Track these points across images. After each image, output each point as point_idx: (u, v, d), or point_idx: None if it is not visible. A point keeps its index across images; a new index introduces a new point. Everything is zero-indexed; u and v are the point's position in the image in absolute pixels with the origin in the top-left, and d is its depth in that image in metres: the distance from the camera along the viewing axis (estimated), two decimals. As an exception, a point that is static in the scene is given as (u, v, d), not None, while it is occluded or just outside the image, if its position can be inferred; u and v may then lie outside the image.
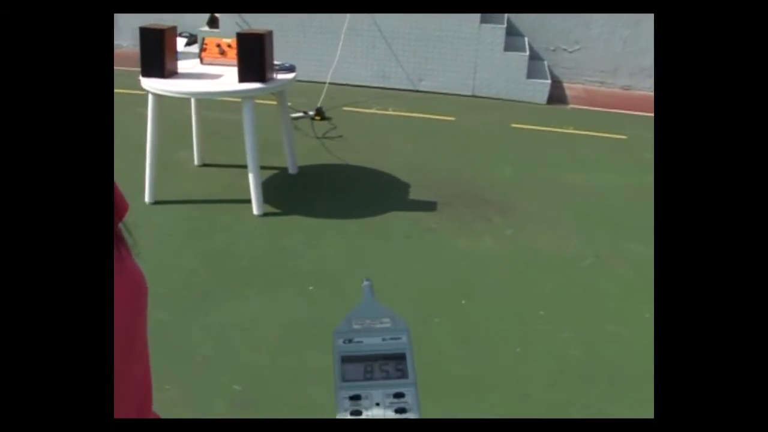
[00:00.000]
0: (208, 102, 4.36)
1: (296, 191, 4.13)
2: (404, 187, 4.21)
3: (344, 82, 6.24)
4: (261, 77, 3.53)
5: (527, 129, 5.47)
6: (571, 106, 6.21)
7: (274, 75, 3.70)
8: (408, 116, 5.62)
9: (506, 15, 6.71)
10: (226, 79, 3.65)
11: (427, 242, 3.58)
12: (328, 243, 3.51)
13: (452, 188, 4.22)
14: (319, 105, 5.40)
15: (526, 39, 6.70)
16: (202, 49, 3.97)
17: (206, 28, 6.38)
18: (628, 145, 5.26)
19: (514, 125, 5.53)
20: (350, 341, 0.61)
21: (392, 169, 4.43)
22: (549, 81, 6.13)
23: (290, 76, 3.82)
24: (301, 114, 5.29)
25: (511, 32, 6.78)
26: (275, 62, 3.85)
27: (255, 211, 3.68)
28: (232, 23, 6.24)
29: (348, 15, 5.98)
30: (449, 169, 4.56)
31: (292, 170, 4.29)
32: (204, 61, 3.95)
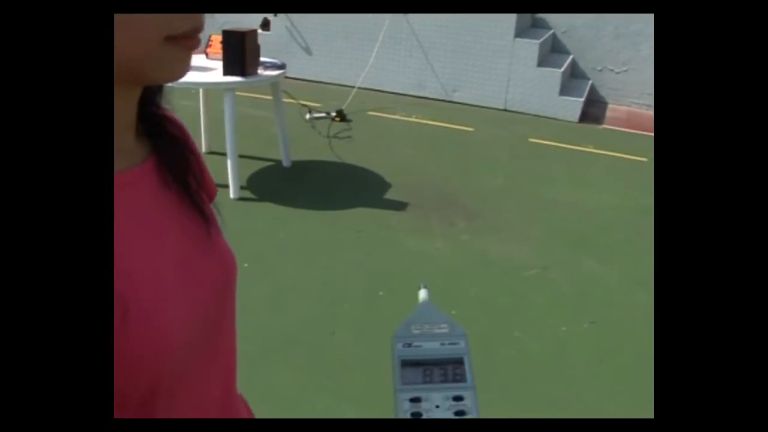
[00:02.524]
0: (217, 95, 4.72)
1: (280, 182, 4.39)
2: (385, 187, 4.36)
3: (381, 89, 6.46)
4: (242, 72, 3.82)
5: (543, 144, 5.45)
6: (605, 126, 6.09)
7: (259, 71, 3.98)
8: (428, 124, 5.75)
9: (552, 31, 6.70)
10: (218, 72, 3.97)
11: (377, 238, 3.72)
12: (283, 228, 3.73)
13: (432, 192, 4.33)
14: (341, 107, 5.65)
15: (571, 57, 6.64)
16: (208, 45, 4.32)
17: (259, 30, 6.80)
18: (643, 168, 5.12)
19: (532, 140, 5.52)
20: (410, 345, 0.64)
21: (383, 170, 4.59)
22: (582, 99, 6.04)
23: (275, 72, 4.09)
24: (323, 114, 5.56)
25: (557, 49, 6.76)
26: (266, 60, 4.14)
27: (231, 195, 3.97)
28: (282, 26, 6.63)
29: (386, 23, 6.19)
30: (439, 174, 4.66)
31: (286, 163, 4.55)
32: (209, 56, 4.29)
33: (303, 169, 4.58)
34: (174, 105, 0.73)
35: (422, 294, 0.72)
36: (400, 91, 6.47)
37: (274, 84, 4.30)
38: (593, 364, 2.82)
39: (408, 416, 0.59)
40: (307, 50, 6.68)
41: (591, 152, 5.36)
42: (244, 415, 0.82)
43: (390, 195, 4.26)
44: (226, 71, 3.84)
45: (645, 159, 5.28)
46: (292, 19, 6.60)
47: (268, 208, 3.98)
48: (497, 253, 3.65)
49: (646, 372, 2.76)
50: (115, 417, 0.57)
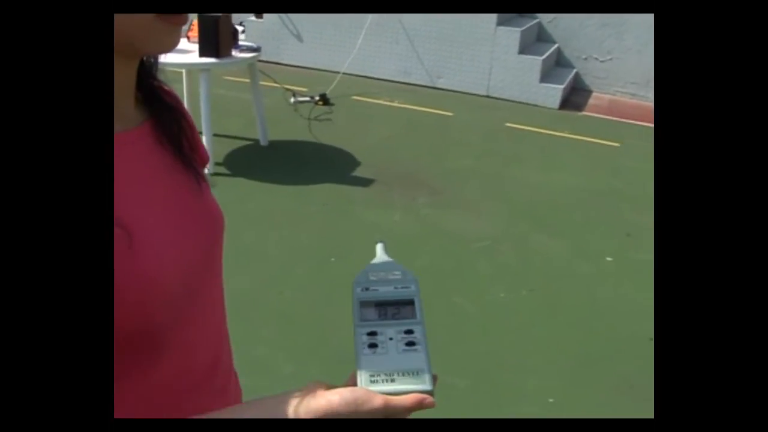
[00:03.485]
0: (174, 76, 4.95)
1: (256, 159, 4.60)
2: (355, 165, 4.56)
3: (369, 75, 6.65)
4: (216, 53, 4.03)
5: (520, 129, 5.60)
6: (585, 113, 6.22)
7: (234, 53, 4.19)
8: (408, 108, 5.92)
9: (538, 20, 6.84)
10: (195, 54, 4.18)
11: (339, 210, 3.92)
12: (252, 201, 3.94)
13: (400, 171, 4.51)
14: (324, 91, 5.84)
15: (556, 45, 6.77)
16: (189, 29, 4.53)
17: (253, 18, 7.03)
18: (615, 152, 5.26)
19: (508, 125, 5.68)
20: (367, 289, 0.71)
21: (356, 150, 4.78)
22: (562, 86, 6.18)
23: (249, 55, 4.30)
24: (307, 99, 5.77)
25: (542, 38, 6.90)
26: (243, 43, 4.35)
27: (207, 170, 4.17)
28: (274, 14, 6.85)
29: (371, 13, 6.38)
30: (410, 155, 4.84)
31: (263, 142, 4.76)
32: (190, 40, 4.51)
33: (279, 148, 4.79)
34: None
35: (379, 247, 0.79)
36: (387, 78, 6.65)
37: (251, 66, 4.51)
38: (525, 327, 3.00)
39: (366, 347, 0.66)
40: (299, 37, 6.88)
41: (566, 137, 5.51)
42: (232, 386, 0.88)
43: (358, 173, 4.45)
44: (202, 53, 4.05)
45: (618, 144, 5.42)
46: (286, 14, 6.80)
47: (241, 183, 4.19)
48: (452, 226, 3.84)
49: (572, 336, 2.94)
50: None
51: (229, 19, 4.10)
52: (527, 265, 3.51)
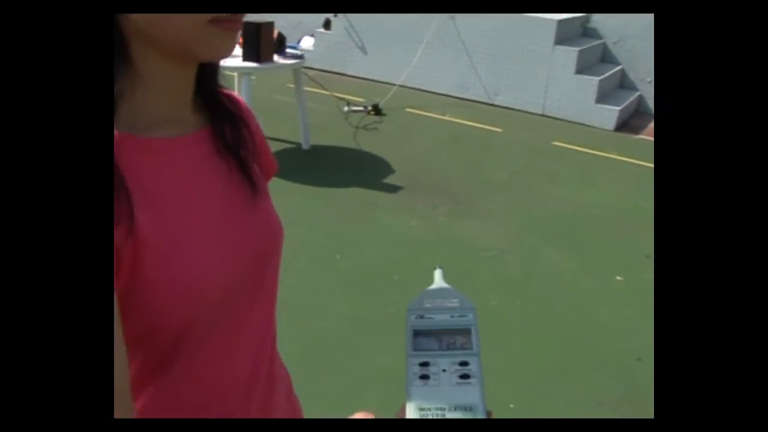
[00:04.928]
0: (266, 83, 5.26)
1: (293, 161, 4.84)
2: (387, 172, 4.71)
3: (427, 89, 6.80)
4: (257, 58, 4.31)
5: (566, 148, 5.58)
6: (641, 136, 6.10)
7: (276, 58, 4.46)
8: (458, 122, 6.02)
9: (603, 41, 6.77)
10: (239, 59, 4.48)
11: (358, 213, 4.08)
12: (277, 198, 4.15)
13: (429, 180, 4.62)
14: (377, 102, 6.04)
15: (620, 67, 6.68)
16: (241, 36, 4.86)
17: (322, 30, 7.35)
18: (659, 176, 5.15)
19: (555, 143, 5.67)
20: (422, 317, 0.69)
21: (394, 159, 4.94)
22: (618, 108, 6.09)
23: (291, 61, 4.56)
24: (360, 108, 5.99)
25: (606, 59, 6.82)
26: (290, 51, 4.62)
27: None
28: (341, 26, 7.14)
29: (433, 25, 6.52)
30: (445, 166, 4.95)
31: (305, 146, 5.01)
32: (241, 45, 4.83)
33: (319, 152, 5.02)
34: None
35: (437, 274, 0.78)
36: (445, 92, 6.77)
37: (295, 71, 4.77)
38: (506, 335, 3.03)
39: (417, 378, 0.63)
40: (363, 50, 7.14)
41: (611, 158, 5.44)
42: (279, 381, 0.86)
43: (389, 179, 4.60)
44: (245, 58, 4.34)
45: (666, 168, 5.29)
46: (350, 20, 7.07)
47: (273, 181, 4.42)
48: (465, 235, 3.91)
49: (552, 348, 2.95)
50: (139, 359, 0.64)
51: (272, 26, 4.38)
52: (529, 278, 3.53)
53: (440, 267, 0.78)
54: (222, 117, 0.76)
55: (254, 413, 0.78)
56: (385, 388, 2.61)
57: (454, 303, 0.71)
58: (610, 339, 3.06)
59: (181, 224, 0.65)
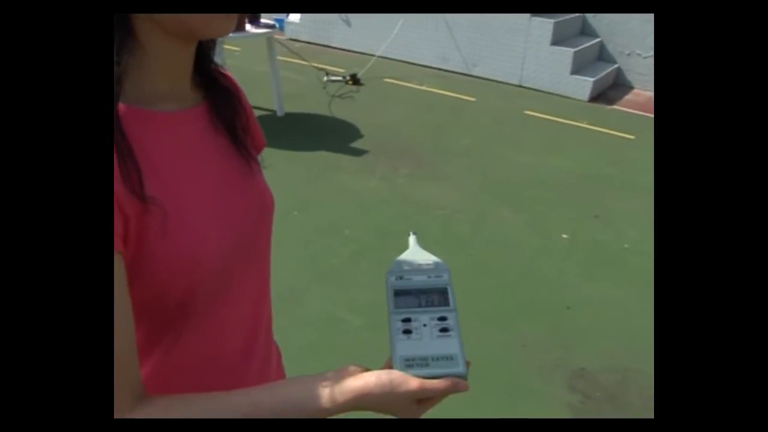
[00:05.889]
0: (226, 54, 5.43)
1: (267, 127, 4.98)
2: (356, 137, 4.88)
3: (409, 60, 6.93)
4: (228, 26, 4.47)
5: (536, 116, 5.71)
6: (615, 107, 6.21)
7: (249, 28, 4.62)
8: (434, 92, 6.16)
9: (582, 14, 6.85)
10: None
11: (322, 174, 4.26)
12: (246, 161, 4.35)
13: (396, 145, 4.79)
14: (355, 72, 6.19)
15: (598, 39, 6.77)
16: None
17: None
18: (625, 144, 5.28)
19: (527, 112, 5.80)
20: (401, 278, 0.74)
21: (364, 125, 5.10)
22: (592, 79, 6.20)
23: (263, 30, 4.72)
24: (339, 78, 6.14)
25: (586, 32, 6.91)
26: (265, 21, 4.78)
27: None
28: (326, 0, 7.26)
29: (414, -1, 6.64)
30: (413, 132, 5.10)
31: (279, 113, 5.18)
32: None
33: (293, 119, 5.19)
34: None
35: (412, 239, 0.82)
36: (426, 63, 6.90)
37: (269, 40, 4.93)
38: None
39: (400, 333, 0.68)
40: (347, 22, 7.26)
41: (581, 127, 5.56)
42: (273, 349, 0.90)
43: (356, 144, 4.77)
44: (217, 25, 4.50)
45: (632, 137, 5.42)
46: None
47: (244, 145, 4.61)
48: (421, 195, 4.08)
49: (485, 296, 3.13)
50: (146, 325, 0.67)
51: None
52: (477, 234, 3.70)
53: (414, 233, 0.83)
54: (218, 93, 0.79)
55: (253, 375, 0.81)
56: (320, 328, 2.81)
57: (430, 265, 0.76)
58: (544, 290, 3.24)
59: (182, 195, 0.68)
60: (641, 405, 2.54)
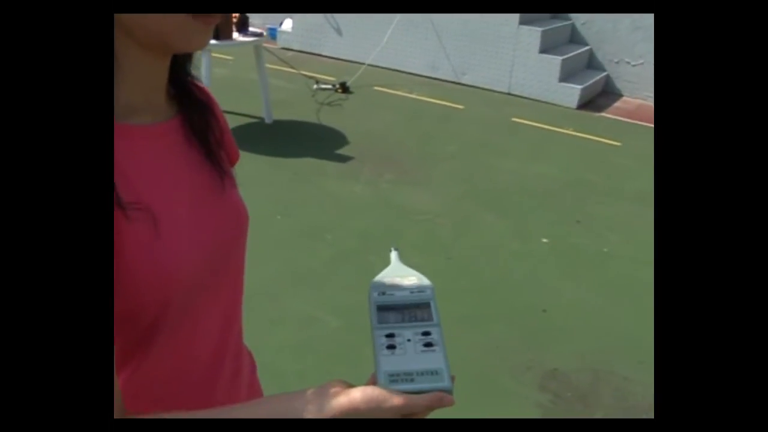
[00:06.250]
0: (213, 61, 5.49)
1: (254, 134, 5.07)
2: (342, 144, 4.93)
3: (399, 69, 6.99)
4: (215, 36, 4.53)
5: (523, 123, 5.76)
6: (604, 114, 6.26)
7: (236, 36, 4.68)
8: (422, 100, 6.22)
9: (571, 22, 6.92)
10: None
11: (306, 180, 4.30)
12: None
13: (381, 152, 4.84)
14: (345, 80, 6.25)
15: (588, 47, 6.84)
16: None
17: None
18: (611, 151, 5.32)
19: (514, 119, 5.85)
20: (383, 293, 0.74)
21: (351, 132, 5.15)
22: (580, 87, 6.25)
23: (249, 39, 4.79)
24: (329, 86, 6.20)
25: (575, 40, 6.97)
26: (253, 30, 4.85)
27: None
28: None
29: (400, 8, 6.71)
30: (400, 139, 5.15)
31: (267, 120, 5.23)
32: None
33: (280, 126, 5.25)
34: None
35: (393, 255, 0.82)
36: (416, 72, 6.96)
37: (256, 49, 4.99)
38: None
39: (384, 348, 0.68)
40: (338, 31, 7.34)
41: (567, 134, 5.61)
42: (244, 360, 0.90)
43: (341, 150, 4.82)
44: (204, 33, 4.57)
45: (619, 144, 5.46)
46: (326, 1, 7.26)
47: (231, 151, 4.66)
48: (403, 200, 4.12)
49: (463, 299, 3.16)
50: (120, 338, 0.66)
51: (230, 5, 4.59)
52: (457, 238, 3.74)
53: (395, 249, 0.83)
54: (192, 106, 0.79)
55: (222, 388, 0.81)
56: (297, 328, 2.85)
57: (413, 280, 0.77)
58: (521, 293, 3.27)
59: (156, 208, 0.67)
60: (612, 405, 2.57)
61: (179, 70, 0.77)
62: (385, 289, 0.75)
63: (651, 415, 2.64)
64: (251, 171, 4.36)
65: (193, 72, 0.81)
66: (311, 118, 5.48)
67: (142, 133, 0.70)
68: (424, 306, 0.73)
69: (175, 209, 0.70)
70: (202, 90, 0.83)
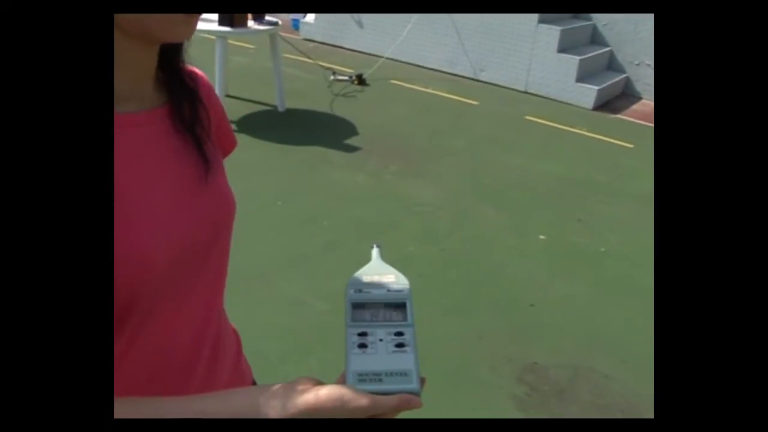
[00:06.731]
0: (233, 49, 5.57)
1: (265, 121, 5.15)
2: (352, 134, 4.98)
3: (418, 63, 7.02)
4: (230, 23, 4.62)
5: (536, 122, 5.75)
6: (620, 116, 6.21)
7: (251, 24, 4.76)
8: (439, 95, 6.24)
9: (593, 22, 6.87)
10: (215, 24, 4.79)
11: (312, 168, 4.36)
12: (242, 152, 4.45)
13: (389, 144, 4.88)
14: (361, 72, 6.30)
15: (608, 49, 6.79)
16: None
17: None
18: (622, 152, 5.29)
19: (527, 118, 5.84)
20: (360, 291, 0.74)
21: (362, 124, 5.20)
22: (597, 87, 6.21)
23: (263, 27, 4.85)
24: (346, 78, 6.26)
25: (596, 41, 6.92)
26: (269, 18, 4.92)
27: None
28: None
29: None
30: (410, 132, 5.19)
31: (280, 108, 5.30)
32: (226, 11, 5.14)
33: (293, 115, 5.31)
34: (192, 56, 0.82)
35: (374, 252, 0.82)
36: (434, 67, 6.98)
37: (271, 37, 5.06)
38: (410, 276, 3.29)
39: (356, 347, 0.68)
40: (360, 24, 7.39)
41: (579, 133, 5.59)
42: (228, 341, 0.90)
43: (349, 141, 4.87)
44: (220, 23, 4.65)
45: (630, 145, 5.43)
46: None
47: (242, 138, 4.74)
48: (405, 191, 4.16)
49: (451, 291, 3.19)
50: None
51: (246, -6, 4.67)
52: (454, 231, 3.77)
53: (377, 246, 0.83)
54: (181, 95, 0.78)
55: (198, 379, 0.81)
56: (284, 311, 2.91)
57: (390, 279, 0.76)
58: (511, 287, 3.29)
59: (133, 196, 0.67)
60: (588, 401, 2.58)
61: (171, 56, 0.77)
62: (362, 286, 0.75)
63: (627, 414, 2.64)
64: (257, 157, 4.43)
65: (204, 59, 0.81)
66: (325, 108, 5.54)
67: (127, 121, 0.70)
68: (400, 306, 0.73)
69: (154, 197, 0.70)
70: (194, 77, 0.82)
